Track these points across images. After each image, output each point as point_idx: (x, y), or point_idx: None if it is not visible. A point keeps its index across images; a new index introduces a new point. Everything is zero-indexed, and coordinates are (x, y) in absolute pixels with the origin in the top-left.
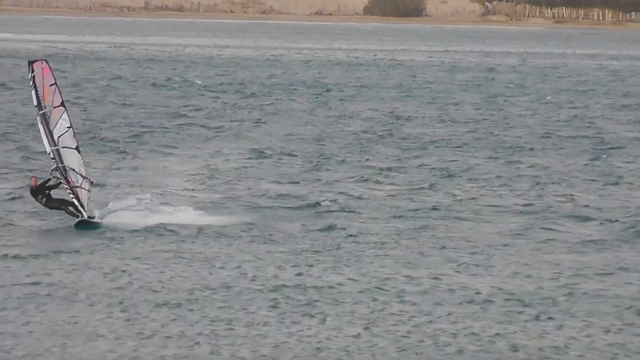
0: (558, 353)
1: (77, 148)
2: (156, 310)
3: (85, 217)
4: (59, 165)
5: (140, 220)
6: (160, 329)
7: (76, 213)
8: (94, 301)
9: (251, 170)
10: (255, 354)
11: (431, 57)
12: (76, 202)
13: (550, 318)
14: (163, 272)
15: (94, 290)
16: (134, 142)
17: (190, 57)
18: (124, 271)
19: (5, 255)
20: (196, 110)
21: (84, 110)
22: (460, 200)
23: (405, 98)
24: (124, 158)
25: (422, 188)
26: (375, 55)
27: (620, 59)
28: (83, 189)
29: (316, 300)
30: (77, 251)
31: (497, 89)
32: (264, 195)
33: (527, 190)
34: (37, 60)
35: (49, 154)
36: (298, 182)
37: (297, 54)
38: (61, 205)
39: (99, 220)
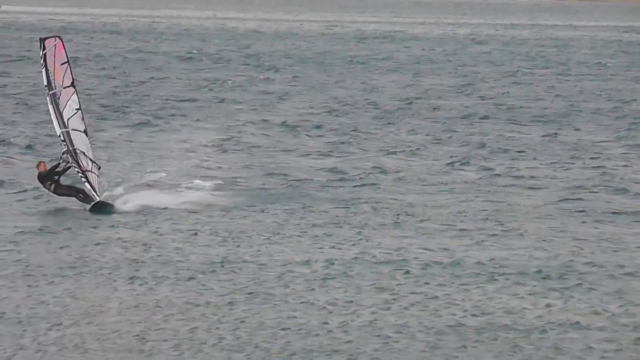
0: (590, 327)
1: (85, 131)
2: (180, 284)
3: (98, 199)
4: (70, 148)
5: (161, 197)
6: (185, 302)
7: (87, 199)
8: (117, 275)
9: (275, 143)
10: (281, 321)
11: (443, 30)
12: (88, 187)
13: (583, 291)
14: (189, 248)
15: (118, 264)
16: (154, 115)
17: (202, 30)
18: (145, 244)
19: (30, 232)
20: (217, 83)
21: (101, 84)
22: (490, 172)
23: (427, 70)
24: (144, 132)
25: (451, 161)
26: (388, 27)
27: (631, 32)
28: (93, 173)
29: (343, 273)
30: (96, 227)
31: (517, 61)
32: (289, 167)
33: (557, 162)
34: (49, 37)
35: (59, 136)
36: (324, 155)
37: (310, 26)
38: (71, 192)
39: (112, 204)
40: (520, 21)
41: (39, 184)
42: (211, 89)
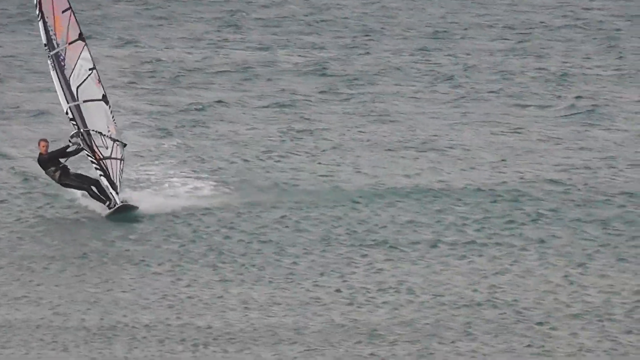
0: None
1: (104, 97)
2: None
3: (118, 202)
4: (81, 130)
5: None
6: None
7: (103, 197)
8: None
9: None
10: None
11: None
12: (105, 182)
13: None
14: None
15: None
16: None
17: None
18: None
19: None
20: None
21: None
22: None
23: None
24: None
25: (440, 79)
26: None
27: None
28: (114, 158)
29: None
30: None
31: None
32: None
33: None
34: None
35: (67, 113)
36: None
37: None
38: (82, 183)
39: (136, 205)
40: None
41: (39, 170)
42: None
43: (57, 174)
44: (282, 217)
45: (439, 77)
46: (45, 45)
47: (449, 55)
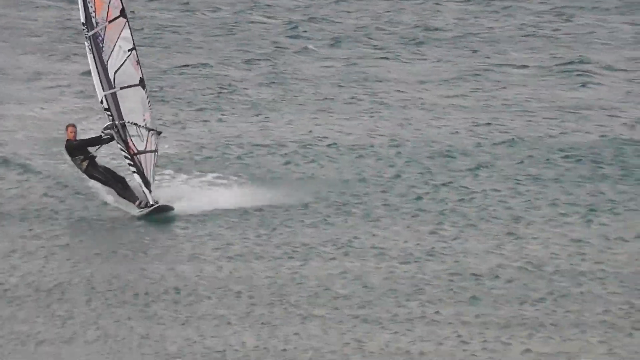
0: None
1: (141, 81)
2: None
3: (151, 201)
4: (116, 122)
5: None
6: None
7: (131, 196)
8: None
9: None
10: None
11: None
12: (138, 179)
13: None
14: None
15: None
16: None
17: None
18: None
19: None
20: None
21: None
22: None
23: None
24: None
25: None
26: None
27: None
28: (149, 151)
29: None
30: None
31: None
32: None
33: None
34: None
35: (101, 102)
36: None
37: None
38: (110, 179)
39: (171, 206)
40: None
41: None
42: None
43: (85, 164)
44: (250, 177)
45: (411, 38)
46: (83, 24)
47: (418, 15)
